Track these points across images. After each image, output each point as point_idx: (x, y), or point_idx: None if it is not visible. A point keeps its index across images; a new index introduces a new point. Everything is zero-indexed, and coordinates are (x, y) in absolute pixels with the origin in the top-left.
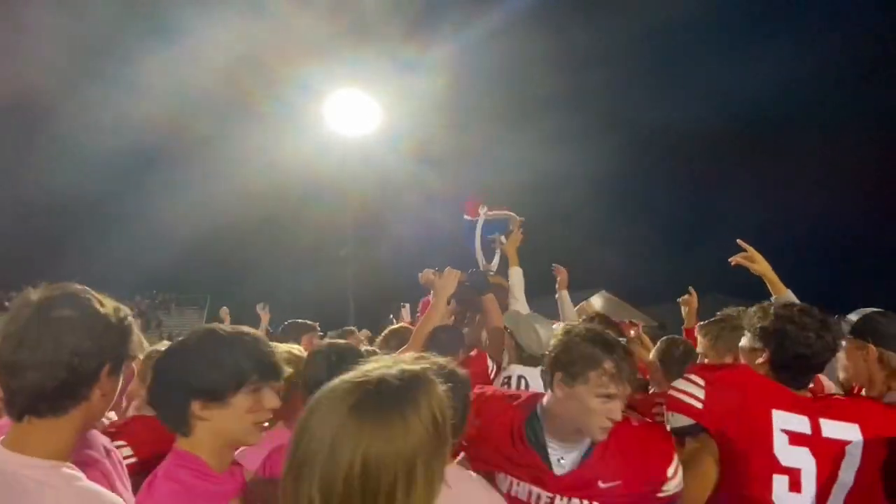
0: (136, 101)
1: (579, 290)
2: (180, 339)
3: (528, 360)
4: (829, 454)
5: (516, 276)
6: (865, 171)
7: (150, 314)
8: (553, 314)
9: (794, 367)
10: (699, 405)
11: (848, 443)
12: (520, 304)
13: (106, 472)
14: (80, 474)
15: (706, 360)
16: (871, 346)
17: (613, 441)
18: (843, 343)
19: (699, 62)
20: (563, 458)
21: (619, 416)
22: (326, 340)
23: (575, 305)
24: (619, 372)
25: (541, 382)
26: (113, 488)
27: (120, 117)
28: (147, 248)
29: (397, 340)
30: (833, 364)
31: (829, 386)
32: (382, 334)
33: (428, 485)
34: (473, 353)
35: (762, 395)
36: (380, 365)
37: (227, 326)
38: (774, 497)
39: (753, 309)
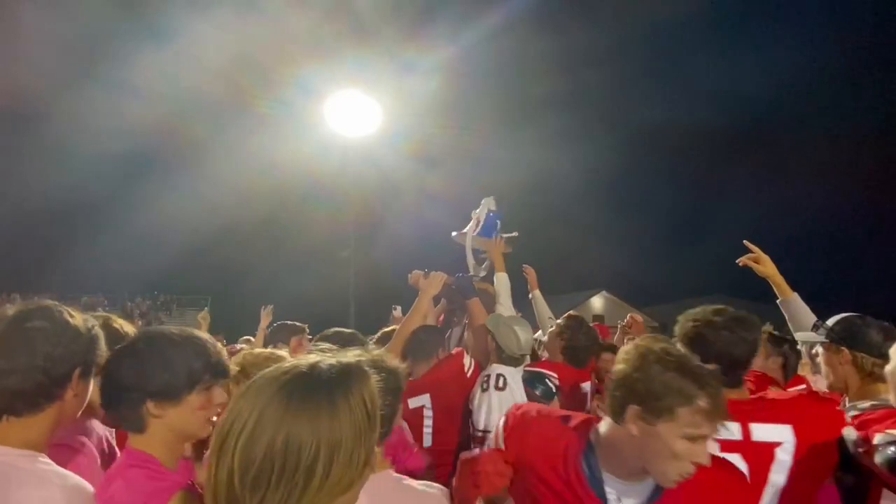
0: (138, 104)
1: (580, 291)
2: (130, 340)
3: (508, 360)
4: (759, 458)
5: (502, 281)
6: (863, 169)
7: (150, 315)
8: (553, 314)
9: (722, 365)
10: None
11: (778, 444)
12: (505, 308)
13: (91, 457)
14: (50, 461)
15: None
16: (845, 350)
17: (687, 484)
18: (821, 349)
19: (697, 63)
20: (623, 500)
21: (706, 461)
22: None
23: (576, 306)
24: (714, 409)
25: (520, 381)
26: (94, 472)
27: (121, 120)
28: (148, 250)
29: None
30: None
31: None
32: (377, 335)
33: (349, 466)
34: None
35: None
36: (318, 356)
37: (175, 328)
38: None
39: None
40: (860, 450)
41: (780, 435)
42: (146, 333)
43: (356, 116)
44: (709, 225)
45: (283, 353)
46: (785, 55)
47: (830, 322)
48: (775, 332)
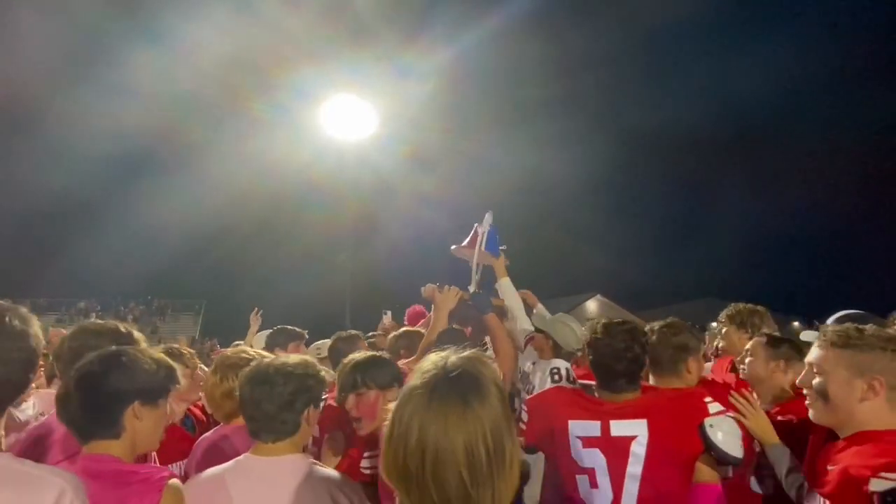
0: (135, 107)
1: (575, 295)
2: (94, 357)
3: (567, 355)
4: (617, 451)
5: (508, 286)
6: (857, 173)
7: (144, 320)
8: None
9: (600, 373)
10: (524, 426)
11: (634, 438)
12: (519, 311)
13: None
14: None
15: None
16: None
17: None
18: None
19: (691, 68)
20: None
21: None
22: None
23: (570, 310)
24: None
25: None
26: None
27: (116, 122)
28: (143, 254)
29: (406, 341)
30: None
31: None
32: (392, 335)
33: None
34: None
35: (562, 409)
36: (442, 358)
37: (137, 348)
38: (581, 494)
39: None
40: (751, 454)
41: (636, 429)
42: (113, 349)
43: (352, 120)
44: (702, 230)
45: (253, 352)
46: (779, 62)
47: (830, 321)
48: (774, 334)
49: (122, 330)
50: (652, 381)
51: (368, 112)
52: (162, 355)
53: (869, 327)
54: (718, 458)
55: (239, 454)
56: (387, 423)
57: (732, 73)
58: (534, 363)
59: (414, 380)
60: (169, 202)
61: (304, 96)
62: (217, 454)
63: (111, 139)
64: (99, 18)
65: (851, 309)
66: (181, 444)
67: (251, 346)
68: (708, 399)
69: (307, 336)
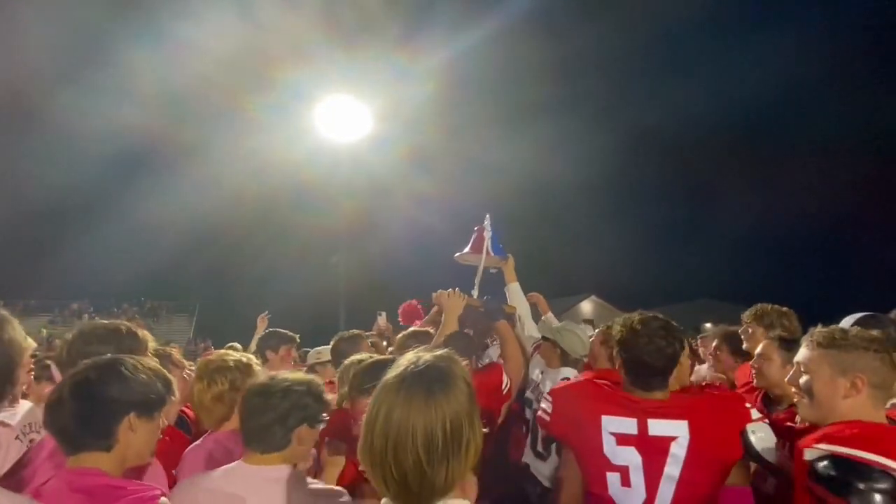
0: (126, 106)
1: (569, 296)
2: (90, 364)
3: (574, 362)
4: (654, 451)
5: (516, 291)
6: (856, 174)
7: (137, 322)
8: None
9: (636, 371)
10: (548, 417)
11: (674, 439)
12: (527, 317)
13: None
14: None
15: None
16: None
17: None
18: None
19: (689, 69)
20: None
21: None
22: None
23: (565, 310)
24: None
25: None
26: None
27: (109, 122)
28: (136, 255)
29: (416, 340)
30: None
31: None
32: (402, 335)
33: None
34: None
35: (594, 403)
36: (411, 355)
37: (134, 357)
38: (610, 493)
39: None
40: (786, 460)
41: (676, 430)
42: (110, 357)
43: (347, 121)
44: (697, 231)
45: (237, 354)
46: (777, 64)
47: (846, 325)
48: (784, 336)
49: (125, 331)
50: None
51: (363, 113)
52: (158, 366)
53: (853, 328)
54: (761, 464)
55: (233, 459)
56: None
57: (732, 77)
58: (542, 372)
59: (390, 373)
60: (162, 203)
61: (298, 97)
62: (212, 462)
63: (103, 139)
64: (91, 17)
65: (849, 311)
66: (182, 447)
67: (254, 349)
68: (748, 404)
69: (298, 340)
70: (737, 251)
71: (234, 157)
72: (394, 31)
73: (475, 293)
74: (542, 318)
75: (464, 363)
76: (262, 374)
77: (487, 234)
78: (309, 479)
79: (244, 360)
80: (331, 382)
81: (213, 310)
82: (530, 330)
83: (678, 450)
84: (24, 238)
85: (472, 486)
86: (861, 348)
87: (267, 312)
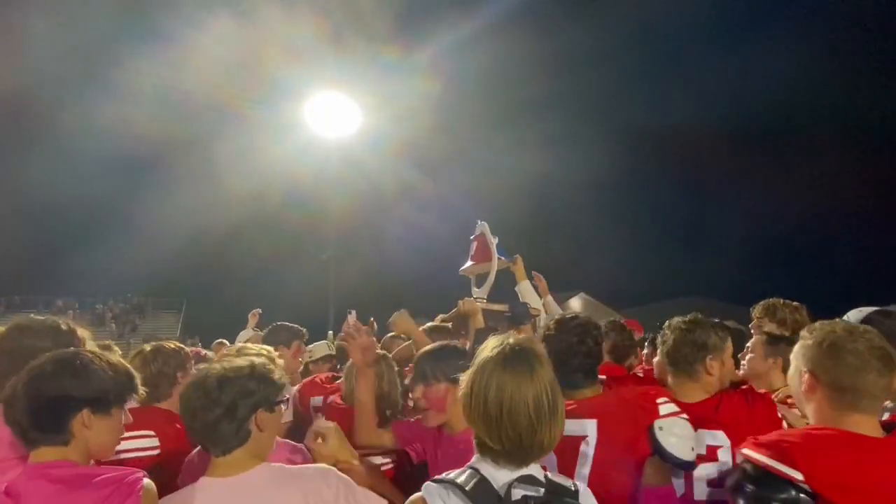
0: (115, 104)
1: (559, 293)
2: (47, 358)
3: None
4: (567, 450)
5: (527, 289)
6: (854, 174)
7: (122, 318)
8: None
9: (559, 369)
10: None
11: (583, 438)
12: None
13: None
14: None
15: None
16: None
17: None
18: None
19: (687, 67)
20: None
21: None
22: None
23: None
24: None
25: None
26: None
27: (97, 120)
28: (122, 251)
29: (440, 335)
30: None
31: None
32: (427, 327)
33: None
34: None
35: None
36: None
37: (91, 348)
38: None
39: None
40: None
41: (586, 429)
42: (70, 351)
43: (338, 118)
44: (686, 228)
45: (256, 348)
46: (777, 63)
47: (851, 316)
48: (774, 332)
49: (63, 327)
50: (670, 382)
51: (354, 109)
52: (121, 360)
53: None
54: (667, 462)
55: None
56: (462, 386)
57: (730, 76)
58: None
59: (485, 354)
60: (150, 199)
61: (288, 93)
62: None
63: (89, 136)
64: (80, 17)
65: (842, 310)
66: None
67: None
68: (661, 399)
69: (307, 334)
70: (727, 249)
71: (224, 153)
72: (384, 27)
73: (480, 294)
74: (542, 300)
75: None
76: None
77: (493, 241)
78: (289, 466)
79: (265, 353)
80: (330, 378)
81: (200, 307)
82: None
83: (587, 449)
84: (8, 235)
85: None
86: (817, 343)
87: (258, 308)
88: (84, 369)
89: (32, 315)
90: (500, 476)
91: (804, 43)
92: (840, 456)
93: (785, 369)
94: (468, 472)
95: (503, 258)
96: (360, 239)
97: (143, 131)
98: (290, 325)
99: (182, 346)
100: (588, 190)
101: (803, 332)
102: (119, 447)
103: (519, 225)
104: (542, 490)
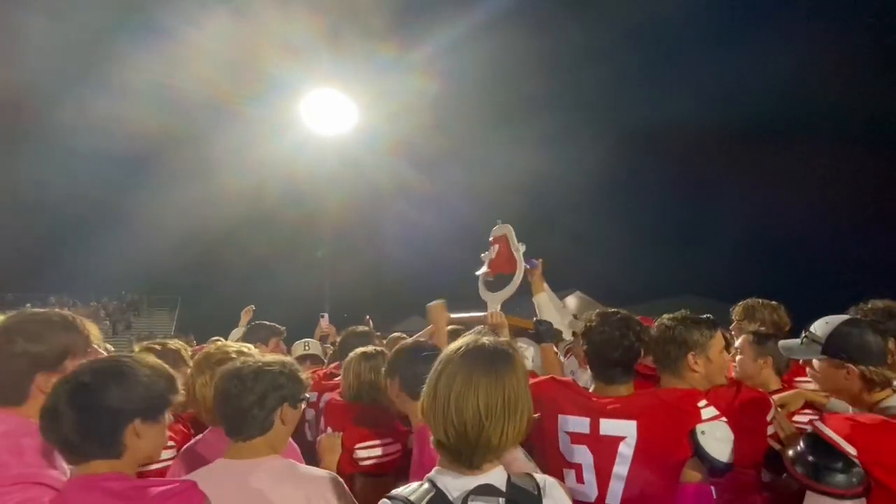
0: (108, 101)
1: (555, 291)
2: (87, 369)
3: None
4: (604, 450)
5: (545, 301)
6: (851, 174)
7: (116, 316)
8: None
9: (596, 363)
10: None
11: (622, 439)
12: (562, 325)
13: None
14: None
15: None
16: (851, 367)
17: None
18: (817, 362)
19: (683, 67)
20: None
21: None
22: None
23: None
24: None
25: None
26: None
27: (90, 117)
28: (117, 248)
29: (357, 340)
30: None
31: None
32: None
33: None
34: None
35: (553, 402)
36: (473, 336)
37: (132, 356)
38: (568, 486)
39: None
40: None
41: (625, 430)
42: (109, 359)
43: (334, 115)
44: (682, 227)
45: (235, 346)
46: (774, 60)
47: (819, 331)
48: (760, 331)
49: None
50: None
51: (351, 107)
52: (159, 362)
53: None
54: (708, 465)
55: None
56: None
57: (727, 73)
58: (573, 372)
59: (450, 347)
60: (144, 196)
61: (283, 90)
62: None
63: (82, 132)
64: (74, 14)
65: (835, 309)
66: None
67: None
68: (702, 403)
69: (284, 332)
70: (722, 248)
71: (219, 150)
72: (380, 25)
73: (493, 306)
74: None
75: None
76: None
77: (520, 247)
78: (299, 465)
79: (245, 350)
80: (329, 374)
81: (195, 304)
82: (566, 335)
83: (626, 449)
84: (1, 232)
85: None
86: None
87: (252, 305)
88: (130, 377)
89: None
90: (457, 485)
91: (801, 42)
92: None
93: (775, 368)
94: (425, 485)
95: (528, 266)
96: (356, 237)
97: (137, 128)
98: (270, 323)
99: (182, 344)
100: (584, 188)
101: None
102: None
103: (514, 223)
104: (502, 500)
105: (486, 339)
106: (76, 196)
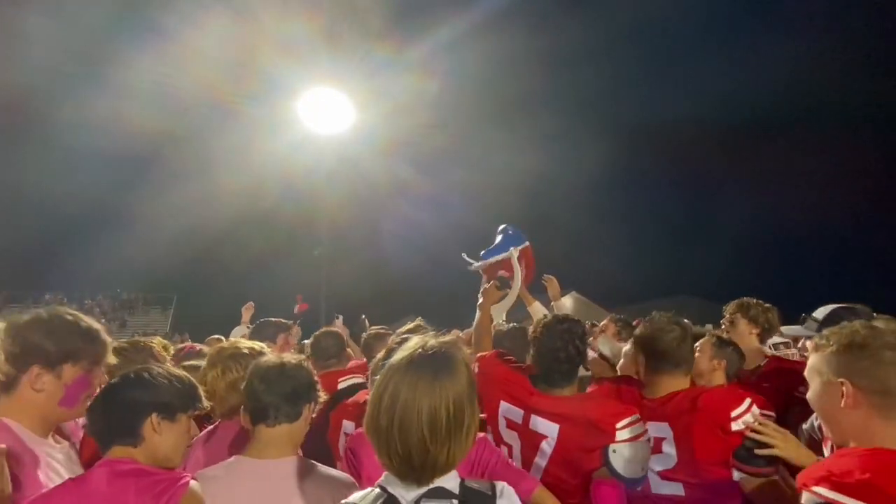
0: (106, 101)
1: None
2: (122, 373)
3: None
4: (530, 442)
5: (538, 310)
6: (848, 174)
7: (111, 314)
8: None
9: (541, 368)
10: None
11: (545, 437)
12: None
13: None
14: None
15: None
16: None
17: None
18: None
19: (681, 67)
20: None
21: None
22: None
23: (546, 306)
24: None
25: None
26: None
27: (88, 117)
28: (113, 246)
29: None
30: None
31: None
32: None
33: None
34: None
35: (497, 387)
36: (419, 339)
37: (158, 365)
38: None
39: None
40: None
41: (549, 430)
42: (139, 366)
43: (330, 113)
44: (677, 228)
45: (247, 343)
46: (774, 60)
47: (818, 313)
48: (722, 336)
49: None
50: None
51: (347, 105)
52: (186, 374)
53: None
54: (615, 478)
55: (243, 449)
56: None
57: (727, 74)
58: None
59: (398, 355)
60: (141, 195)
61: (281, 89)
62: (228, 450)
63: (81, 133)
64: (72, 14)
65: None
66: None
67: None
68: (622, 423)
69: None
70: (717, 249)
71: (217, 149)
72: (378, 24)
73: (502, 318)
74: (552, 303)
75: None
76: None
77: (519, 270)
78: (319, 465)
79: (257, 347)
80: (336, 373)
81: (191, 303)
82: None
83: (546, 447)
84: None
85: None
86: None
87: (251, 302)
88: (151, 379)
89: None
90: (408, 493)
91: (799, 42)
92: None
93: (727, 371)
94: (375, 491)
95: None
96: (354, 236)
97: (135, 128)
98: (277, 320)
99: (160, 341)
100: (581, 188)
101: (815, 342)
102: None
103: (511, 222)
104: (455, 501)
105: (432, 342)
106: (72, 195)
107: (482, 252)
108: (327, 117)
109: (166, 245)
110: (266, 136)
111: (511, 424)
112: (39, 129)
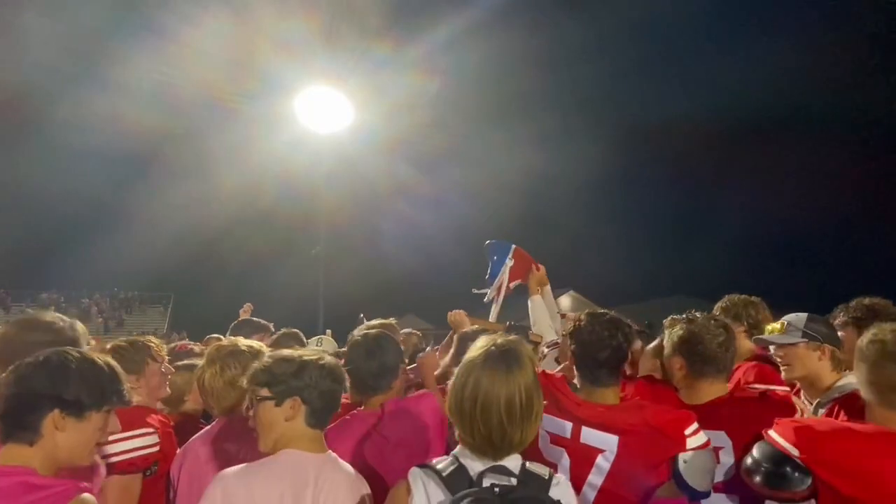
0: (104, 99)
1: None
2: (33, 355)
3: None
4: (582, 457)
5: (537, 303)
6: (846, 174)
7: (108, 314)
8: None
9: (583, 362)
10: None
11: (601, 451)
12: (546, 327)
13: None
14: None
15: None
16: (826, 347)
17: None
18: (800, 346)
19: (682, 65)
20: None
21: None
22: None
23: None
24: None
25: None
26: None
27: (86, 115)
28: (110, 245)
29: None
30: None
31: None
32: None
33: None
34: None
35: None
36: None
37: (85, 350)
38: None
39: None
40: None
41: (606, 443)
42: (53, 350)
43: (328, 112)
44: (674, 227)
45: (247, 341)
46: (772, 61)
47: (795, 321)
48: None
49: (61, 324)
50: (704, 384)
51: (345, 104)
52: (111, 363)
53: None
54: (686, 493)
55: (244, 446)
56: (452, 380)
57: (726, 74)
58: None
59: (472, 352)
60: (138, 194)
61: (279, 88)
62: (225, 448)
63: (78, 132)
64: (69, 13)
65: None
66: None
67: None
68: (689, 429)
69: (273, 328)
70: (715, 248)
71: (215, 148)
72: (376, 22)
73: (492, 318)
74: (530, 297)
75: None
76: None
77: (506, 284)
78: (352, 469)
79: (255, 345)
80: None
81: (188, 302)
82: (549, 336)
83: (603, 462)
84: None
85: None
86: None
87: (249, 304)
88: (61, 369)
89: (29, 310)
90: (476, 465)
91: (798, 41)
92: (836, 442)
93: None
94: (449, 459)
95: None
96: (352, 235)
97: (133, 127)
98: (257, 320)
99: (157, 341)
100: (579, 188)
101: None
102: (123, 447)
103: (509, 221)
104: (514, 479)
105: (500, 340)
106: (69, 193)
107: (486, 278)
108: (325, 116)
109: (164, 244)
110: (264, 135)
111: (556, 440)
112: (37, 128)
